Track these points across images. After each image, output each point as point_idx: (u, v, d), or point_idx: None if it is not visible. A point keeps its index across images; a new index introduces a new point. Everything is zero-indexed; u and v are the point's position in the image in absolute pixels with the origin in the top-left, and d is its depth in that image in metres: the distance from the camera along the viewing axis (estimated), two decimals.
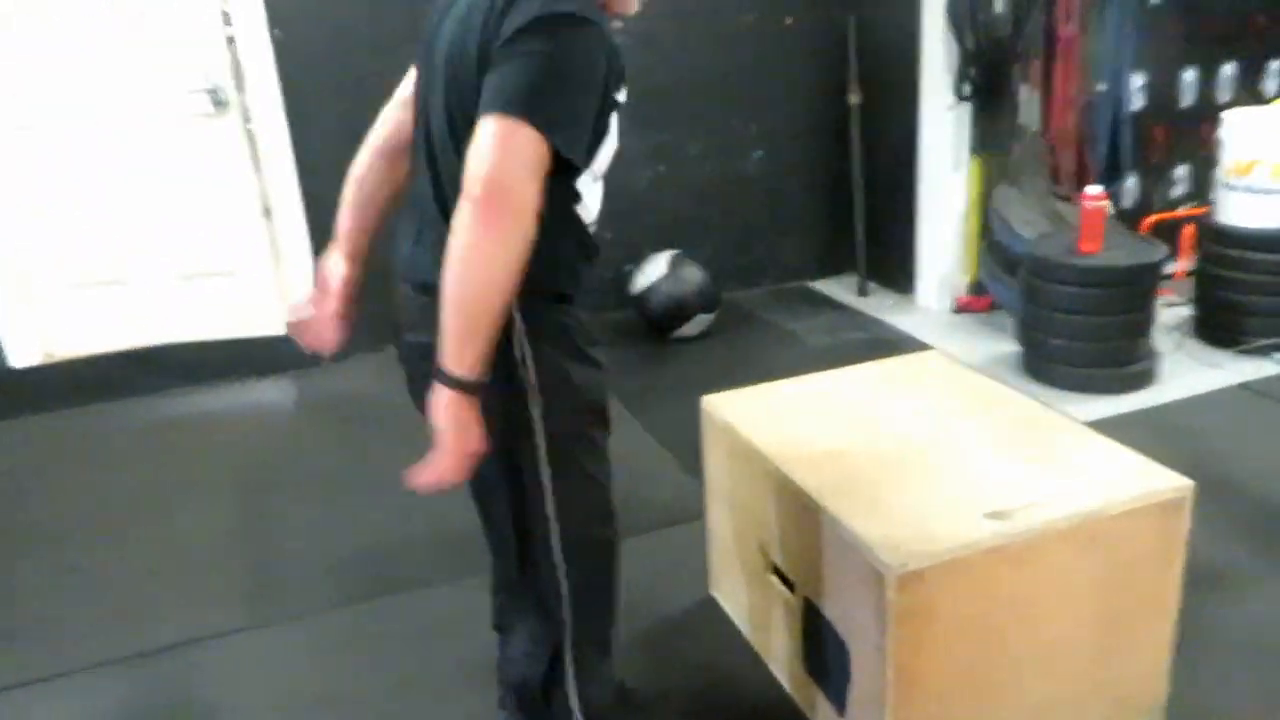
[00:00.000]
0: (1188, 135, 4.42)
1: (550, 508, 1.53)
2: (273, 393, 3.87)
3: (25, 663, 2.32)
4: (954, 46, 3.89)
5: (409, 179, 1.62)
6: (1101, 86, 4.09)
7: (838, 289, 4.64)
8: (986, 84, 3.94)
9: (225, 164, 3.60)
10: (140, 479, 3.21)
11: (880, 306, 4.39)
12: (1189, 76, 4.33)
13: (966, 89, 3.92)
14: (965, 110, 3.99)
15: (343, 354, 3.92)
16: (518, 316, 1.42)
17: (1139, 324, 3.39)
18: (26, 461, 3.39)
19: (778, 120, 4.50)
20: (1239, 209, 3.58)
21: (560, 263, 1.48)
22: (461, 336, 1.32)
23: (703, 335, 4.14)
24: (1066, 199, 4.09)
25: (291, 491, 3.07)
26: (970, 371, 2.31)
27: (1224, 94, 4.41)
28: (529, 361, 1.44)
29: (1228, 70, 4.38)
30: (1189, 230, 4.01)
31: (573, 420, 1.53)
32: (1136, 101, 4.27)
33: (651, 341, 4.10)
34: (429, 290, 1.38)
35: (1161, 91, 4.29)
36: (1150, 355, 3.46)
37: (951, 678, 1.70)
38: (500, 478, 1.54)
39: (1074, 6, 3.95)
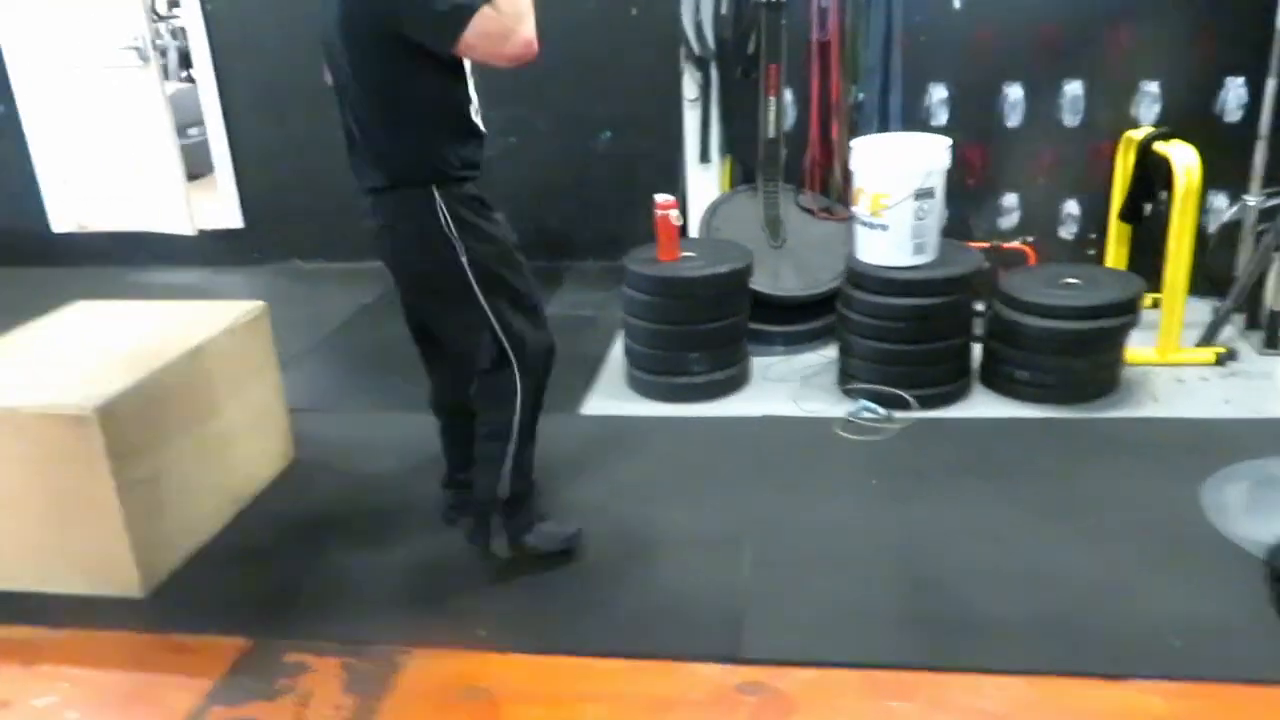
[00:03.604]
0: (1021, 160, 3.92)
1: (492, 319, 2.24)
2: (188, 278, 5.19)
3: None
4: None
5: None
6: (860, 96, 3.82)
7: None
8: (724, 86, 3.94)
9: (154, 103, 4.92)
10: None
11: None
12: (1014, 94, 3.83)
13: (693, 91, 3.95)
14: (709, 111, 4.01)
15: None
16: (438, 195, 2.16)
17: (700, 337, 3.35)
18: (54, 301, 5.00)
19: (627, 104, 4.74)
20: (858, 241, 3.31)
21: (456, 152, 2.19)
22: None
23: None
24: (810, 211, 3.94)
25: None
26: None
27: (1071, 117, 3.83)
28: (450, 225, 2.18)
29: (1072, 91, 3.79)
30: None
31: (490, 253, 2.23)
32: (939, 117, 3.90)
33: None
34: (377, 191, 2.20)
35: (978, 110, 3.86)
36: (724, 370, 3.39)
37: None
38: (452, 313, 2.28)
39: (829, 12, 3.75)
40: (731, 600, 2.31)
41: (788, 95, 3.92)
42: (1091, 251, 3.96)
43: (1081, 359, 3.15)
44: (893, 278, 3.18)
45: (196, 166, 5.50)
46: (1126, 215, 3.59)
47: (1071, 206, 3.96)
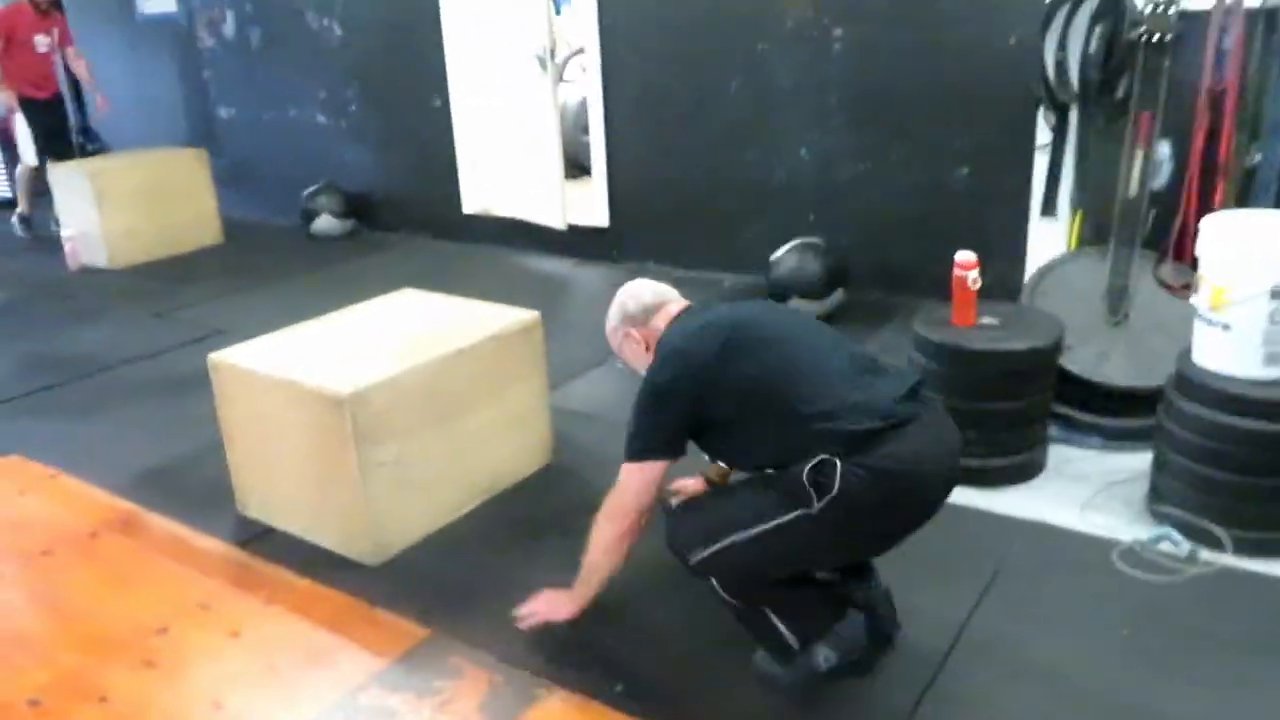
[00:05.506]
0: None
1: None
2: (554, 267, 5.67)
3: None
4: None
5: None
6: (1258, 157, 3.12)
7: None
8: (1083, 132, 3.43)
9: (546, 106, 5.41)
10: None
11: None
12: None
13: (1045, 135, 3.48)
14: (1062, 158, 3.52)
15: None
16: None
17: (980, 416, 2.96)
18: (455, 268, 5.76)
19: (988, 141, 4.32)
20: (1194, 337, 2.71)
21: None
22: None
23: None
24: (1168, 286, 3.33)
25: None
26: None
27: None
28: None
29: None
30: None
31: None
32: None
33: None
34: None
35: None
36: (1004, 458, 2.98)
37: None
38: None
39: (1229, 55, 3.10)
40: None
41: (1163, 149, 3.33)
42: None
43: None
44: (1228, 391, 2.58)
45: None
46: None
47: None
